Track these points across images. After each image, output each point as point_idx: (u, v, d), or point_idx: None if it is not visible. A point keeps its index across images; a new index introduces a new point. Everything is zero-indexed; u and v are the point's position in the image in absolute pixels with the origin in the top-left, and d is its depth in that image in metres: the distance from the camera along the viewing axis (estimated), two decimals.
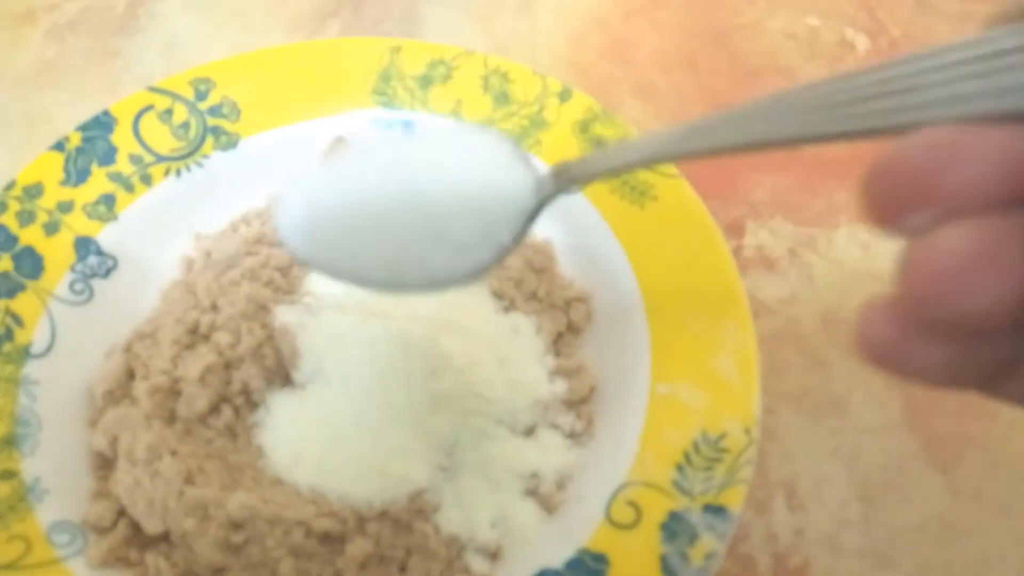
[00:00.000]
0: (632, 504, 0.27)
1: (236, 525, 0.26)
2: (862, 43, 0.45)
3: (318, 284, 0.31)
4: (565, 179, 0.22)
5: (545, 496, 0.28)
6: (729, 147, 0.18)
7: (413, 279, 0.22)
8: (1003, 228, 0.13)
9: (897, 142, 0.14)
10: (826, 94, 0.15)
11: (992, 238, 0.13)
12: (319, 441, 0.27)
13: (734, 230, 0.38)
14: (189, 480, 0.26)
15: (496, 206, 0.22)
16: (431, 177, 0.22)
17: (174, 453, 0.27)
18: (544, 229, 0.35)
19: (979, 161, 0.13)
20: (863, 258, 0.37)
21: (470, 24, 0.45)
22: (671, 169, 0.33)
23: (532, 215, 0.22)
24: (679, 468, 0.27)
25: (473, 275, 0.22)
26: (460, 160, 0.23)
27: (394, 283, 0.22)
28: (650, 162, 0.21)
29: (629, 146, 0.22)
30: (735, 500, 0.26)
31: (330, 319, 0.29)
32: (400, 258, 0.22)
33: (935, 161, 0.13)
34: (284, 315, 0.30)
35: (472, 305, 0.32)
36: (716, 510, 0.26)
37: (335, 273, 0.23)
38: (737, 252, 0.37)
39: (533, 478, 0.29)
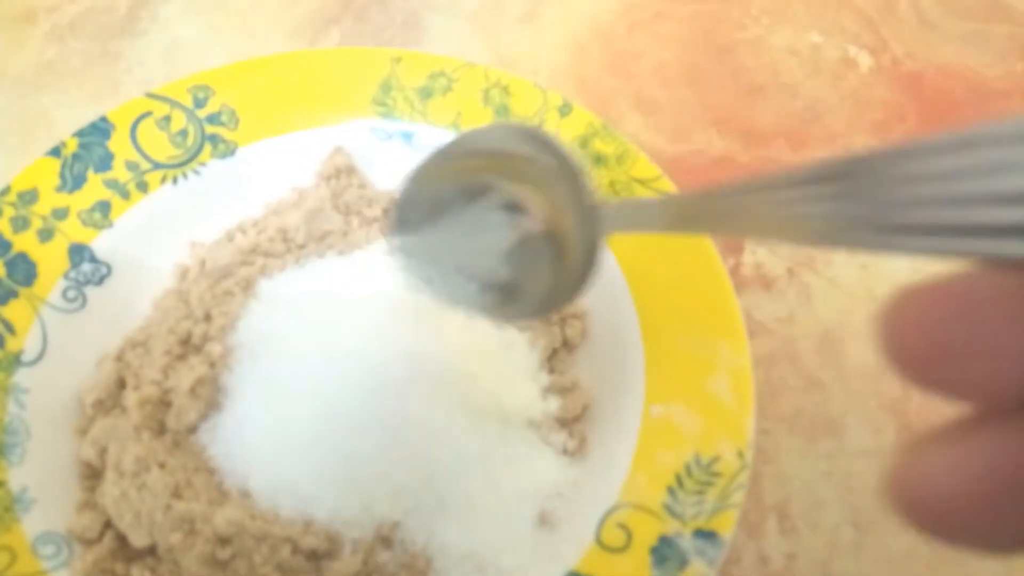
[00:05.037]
0: (623, 527, 0.27)
1: (223, 540, 0.26)
2: (865, 60, 0.45)
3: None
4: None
5: (537, 516, 0.28)
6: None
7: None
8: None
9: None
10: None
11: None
12: (303, 458, 0.27)
13: (733, 248, 0.38)
14: (176, 494, 0.26)
15: None
16: None
17: (162, 466, 0.27)
18: None
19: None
20: (861, 278, 0.37)
21: (472, 34, 0.45)
22: (669, 186, 0.33)
23: None
24: (671, 491, 0.27)
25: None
26: None
27: None
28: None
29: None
30: (726, 525, 0.26)
31: (311, 334, 0.29)
32: None
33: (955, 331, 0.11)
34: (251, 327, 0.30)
35: (466, 317, 0.32)
36: (707, 535, 0.26)
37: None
38: (735, 270, 0.37)
39: (525, 498, 0.28)
